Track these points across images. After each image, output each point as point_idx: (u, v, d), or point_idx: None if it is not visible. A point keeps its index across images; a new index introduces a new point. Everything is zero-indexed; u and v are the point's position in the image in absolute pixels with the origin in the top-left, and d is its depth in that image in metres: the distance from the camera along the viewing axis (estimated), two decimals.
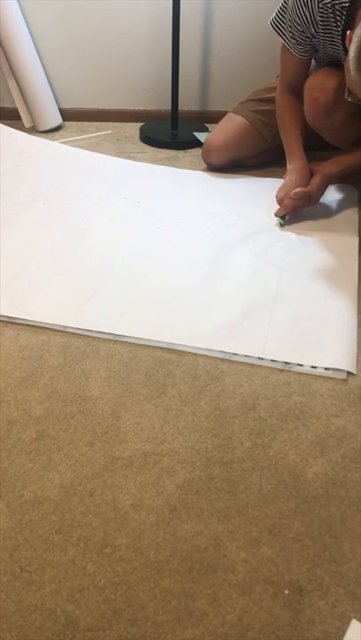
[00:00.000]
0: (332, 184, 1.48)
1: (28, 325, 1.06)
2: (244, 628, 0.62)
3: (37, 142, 1.84)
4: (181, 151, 1.88)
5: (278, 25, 1.35)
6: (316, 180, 1.37)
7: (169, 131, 1.98)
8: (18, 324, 1.06)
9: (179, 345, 1.00)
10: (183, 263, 1.24)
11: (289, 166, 1.44)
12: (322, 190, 1.40)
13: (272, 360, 0.97)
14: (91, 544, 0.70)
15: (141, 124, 2.06)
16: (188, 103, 2.09)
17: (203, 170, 1.72)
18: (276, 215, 1.41)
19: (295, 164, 1.43)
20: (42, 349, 1.01)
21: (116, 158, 1.77)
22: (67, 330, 1.04)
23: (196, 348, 1.00)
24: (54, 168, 1.68)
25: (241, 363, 0.97)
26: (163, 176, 1.68)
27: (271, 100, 1.57)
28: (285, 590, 0.66)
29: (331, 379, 0.94)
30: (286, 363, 0.97)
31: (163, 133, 1.96)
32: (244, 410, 0.89)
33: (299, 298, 1.12)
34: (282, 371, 0.96)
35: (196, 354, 0.99)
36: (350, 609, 0.64)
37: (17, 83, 1.98)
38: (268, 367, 0.97)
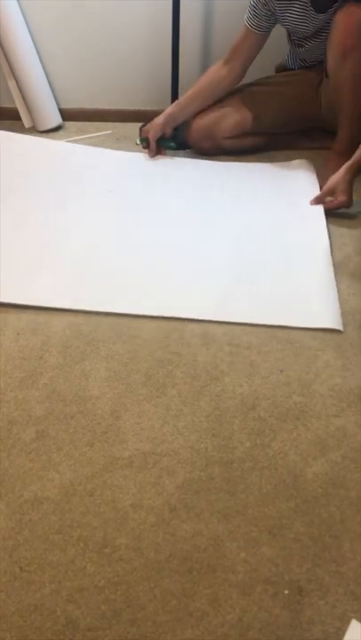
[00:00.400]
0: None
1: (27, 322, 1.06)
2: (244, 628, 0.62)
3: (8, 136, 1.84)
4: (181, 151, 1.87)
5: (249, 20, 1.50)
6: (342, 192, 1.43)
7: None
8: (21, 314, 1.06)
9: (173, 316, 1.07)
10: (161, 245, 1.29)
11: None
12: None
13: (263, 325, 1.06)
14: (91, 544, 0.70)
15: (141, 123, 2.06)
16: None
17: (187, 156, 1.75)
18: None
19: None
20: (42, 349, 1.01)
21: (83, 146, 1.81)
22: (71, 309, 1.09)
23: (191, 318, 1.07)
24: (22, 161, 1.69)
25: (241, 362, 0.97)
26: (136, 162, 1.71)
27: (266, 83, 1.67)
28: (285, 590, 0.66)
29: (330, 379, 0.94)
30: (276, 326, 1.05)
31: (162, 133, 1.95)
32: (244, 410, 0.88)
33: (279, 268, 1.21)
34: (282, 371, 0.96)
35: (196, 352, 0.99)
36: (350, 609, 0.64)
37: (17, 83, 1.98)
38: (267, 367, 0.96)
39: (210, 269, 1.21)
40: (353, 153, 1.44)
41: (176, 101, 1.69)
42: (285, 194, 1.51)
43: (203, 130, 1.68)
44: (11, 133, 1.85)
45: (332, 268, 1.20)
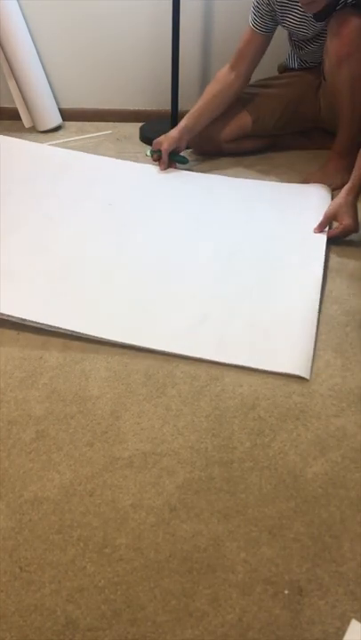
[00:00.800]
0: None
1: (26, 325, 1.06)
2: (244, 628, 0.62)
3: (11, 142, 1.82)
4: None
5: (254, 21, 1.50)
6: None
7: (169, 131, 1.98)
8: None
9: (132, 345, 1.00)
10: (146, 265, 1.23)
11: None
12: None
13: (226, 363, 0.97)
14: (91, 544, 0.70)
15: (141, 123, 2.06)
16: (188, 103, 2.08)
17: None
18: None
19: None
20: (42, 349, 1.01)
21: (94, 156, 1.76)
22: (25, 323, 1.04)
23: (149, 348, 1.00)
24: (27, 167, 1.66)
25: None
26: (139, 175, 1.66)
27: (265, 85, 1.67)
28: (285, 590, 0.66)
29: (330, 379, 0.94)
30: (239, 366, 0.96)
31: (163, 133, 1.95)
32: (244, 410, 0.88)
33: (259, 302, 1.11)
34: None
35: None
36: (350, 609, 0.64)
37: (17, 83, 1.98)
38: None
39: (187, 297, 1.13)
40: (352, 154, 1.43)
41: (188, 113, 1.63)
42: (290, 219, 1.41)
43: (203, 134, 1.68)
44: (12, 139, 1.84)
45: (317, 306, 1.09)
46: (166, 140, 1.60)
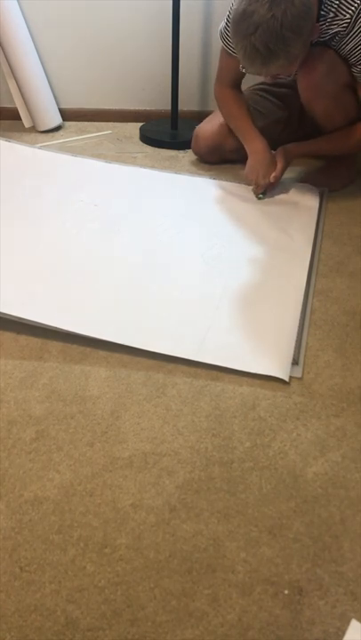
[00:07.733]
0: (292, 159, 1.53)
1: (27, 322, 1.06)
2: (244, 628, 0.62)
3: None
4: (181, 151, 1.88)
5: (225, 33, 1.39)
6: (280, 159, 1.48)
7: (169, 131, 1.99)
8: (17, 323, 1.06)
9: (111, 342, 1.00)
10: (131, 267, 1.22)
11: (249, 148, 1.52)
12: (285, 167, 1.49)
13: (206, 363, 0.97)
14: (91, 544, 0.70)
15: (141, 123, 2.06)
16: (187, 103, 2.09)
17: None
18: (256, 193, 1.52)
19: (255, 145, 1.51)
20: (42, 349, 1.01)
21: (82, 158, 1.74)
22: (21, 321, 1.04)
23: (128, 346, 1.00)
24: (14, 169, 1.66)
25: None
26: (127, 177, 1.65)
27: (266, 91, 1.66)
28: (285, 590, 0.66)
29: (330, 379, 0.94)
30: (220, 367, 0.96)
31: (163, 133, 1.96)
32: (244, 410, 0.89)
33: (241, 305, 1.10)
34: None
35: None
36: (350, 609, 0.64)
37: (17, 83, 1.98)
38: None
39: (171, 297, 1.12)
40: (350, 158, 1.46)
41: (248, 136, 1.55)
42: (278, 221, 1.40)
43: (210, 145, 1.68)
44: (4, 142, 1.82)
45: (299, 309, 1.09)
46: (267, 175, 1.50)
